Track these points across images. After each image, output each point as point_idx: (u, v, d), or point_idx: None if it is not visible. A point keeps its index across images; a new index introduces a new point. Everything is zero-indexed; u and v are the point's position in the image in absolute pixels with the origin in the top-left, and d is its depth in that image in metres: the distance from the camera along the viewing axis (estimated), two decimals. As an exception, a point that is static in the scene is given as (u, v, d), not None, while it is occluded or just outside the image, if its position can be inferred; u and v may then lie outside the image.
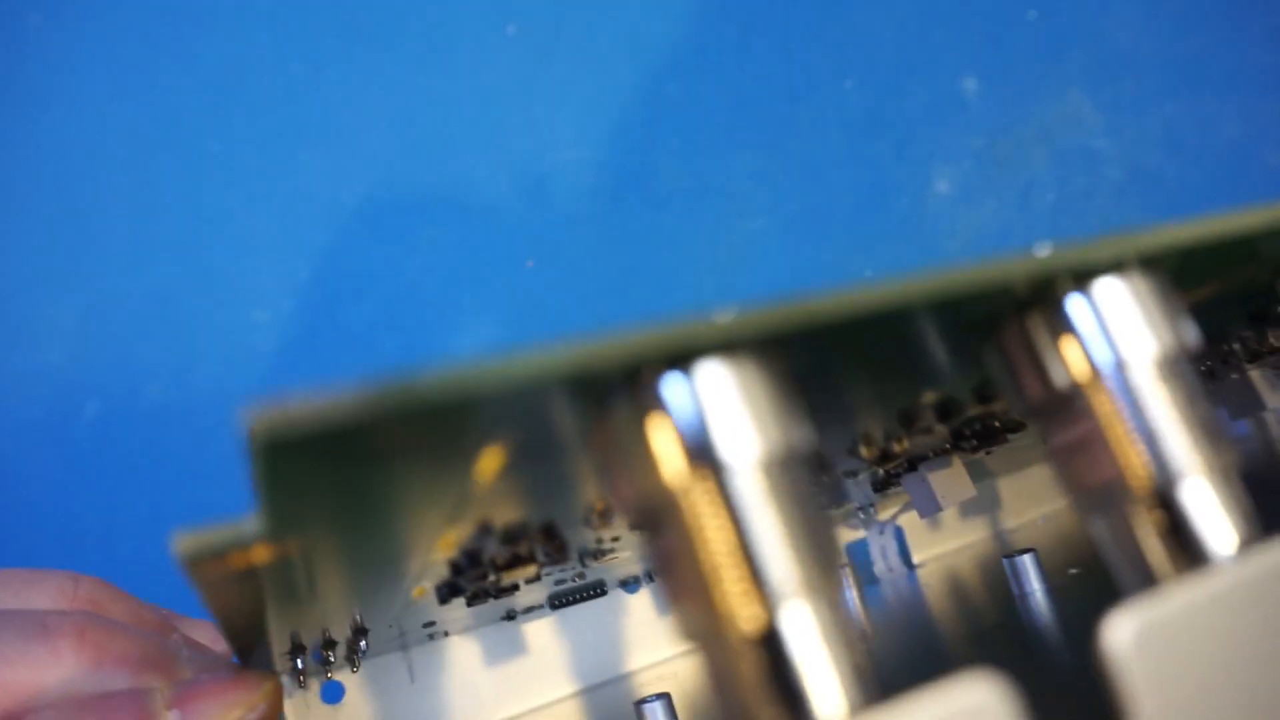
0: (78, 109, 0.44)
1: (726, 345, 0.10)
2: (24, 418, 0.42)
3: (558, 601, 0.25)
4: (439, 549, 0.16)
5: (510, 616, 0.26)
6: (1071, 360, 0.12)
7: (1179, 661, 0.10)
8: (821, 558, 0.10)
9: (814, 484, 0.19)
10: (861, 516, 0.31)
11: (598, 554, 0.20)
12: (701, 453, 0.10)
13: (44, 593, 0.18)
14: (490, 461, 0.11)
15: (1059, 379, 0.12)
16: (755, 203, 0.45)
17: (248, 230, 0.43)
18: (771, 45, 0.45)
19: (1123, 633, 0.10)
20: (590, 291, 0.44)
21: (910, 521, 0.31)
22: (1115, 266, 0.12)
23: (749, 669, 0.10)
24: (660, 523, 0.10)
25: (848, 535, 0.31)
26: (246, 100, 0.44)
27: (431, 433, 0.10)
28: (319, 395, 0.09)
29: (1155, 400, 0.11)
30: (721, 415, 0.10)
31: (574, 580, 0.24)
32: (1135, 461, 0.11)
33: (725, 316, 0.10)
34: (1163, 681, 0.10)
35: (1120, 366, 0.11)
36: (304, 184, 0.44)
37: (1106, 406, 0.11)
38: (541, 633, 0.27)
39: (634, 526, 0.17)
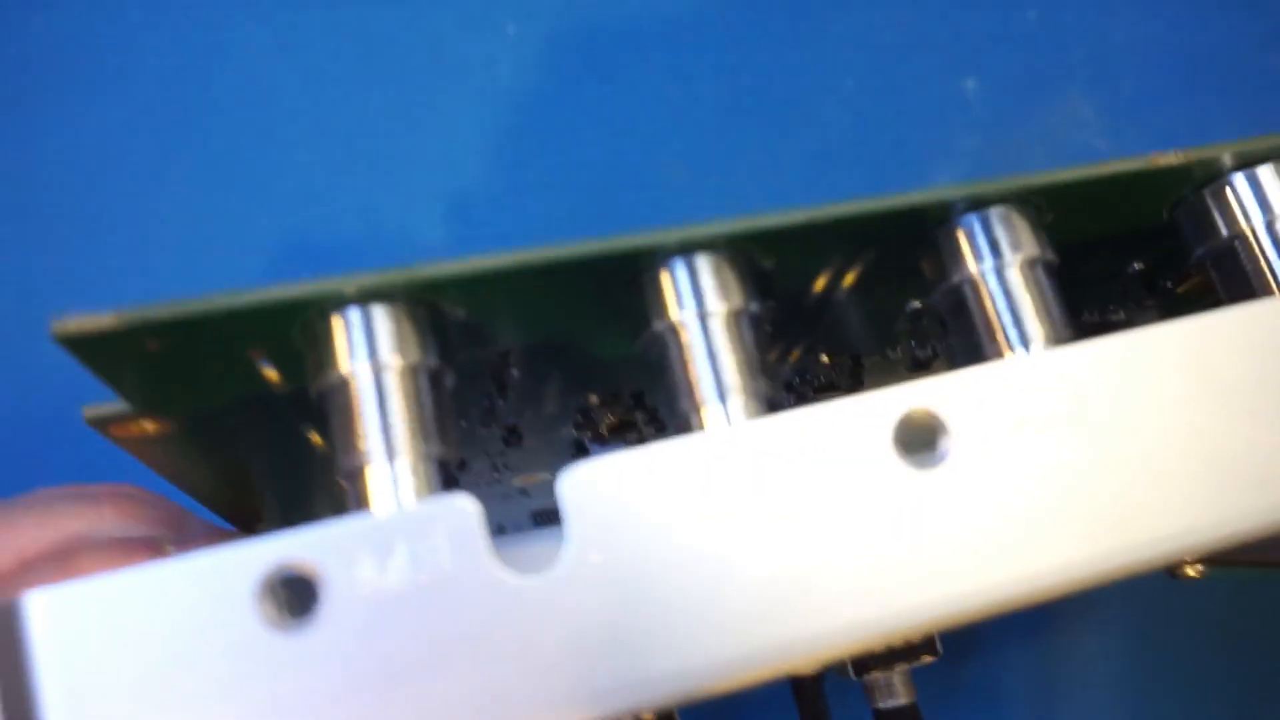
0: (78, 109, 0.44)
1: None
2: (24, 417, 0.42)
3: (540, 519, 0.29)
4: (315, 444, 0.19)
5: (501, 530, 0.28)
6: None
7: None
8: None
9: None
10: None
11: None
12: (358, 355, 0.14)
13: (93, 487, 0.24)
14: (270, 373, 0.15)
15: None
16: (755, 203, 0.44)
17: (248, 230, 0.43)
18: (771, 45, 0.45)
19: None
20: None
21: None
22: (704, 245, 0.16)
23: None
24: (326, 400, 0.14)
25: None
26: (246, 100, 0.44)
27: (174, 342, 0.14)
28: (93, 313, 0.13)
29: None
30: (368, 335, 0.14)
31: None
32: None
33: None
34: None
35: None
36: (304, 184, 0.44)
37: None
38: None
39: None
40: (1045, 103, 0.45)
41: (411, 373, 0.14)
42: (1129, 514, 0.14)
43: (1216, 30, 0.46)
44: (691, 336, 0.15)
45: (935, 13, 0.46)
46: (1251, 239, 0.17)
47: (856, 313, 0.20)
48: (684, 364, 0.15)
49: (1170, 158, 0.16)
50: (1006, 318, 0.16)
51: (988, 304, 0.16)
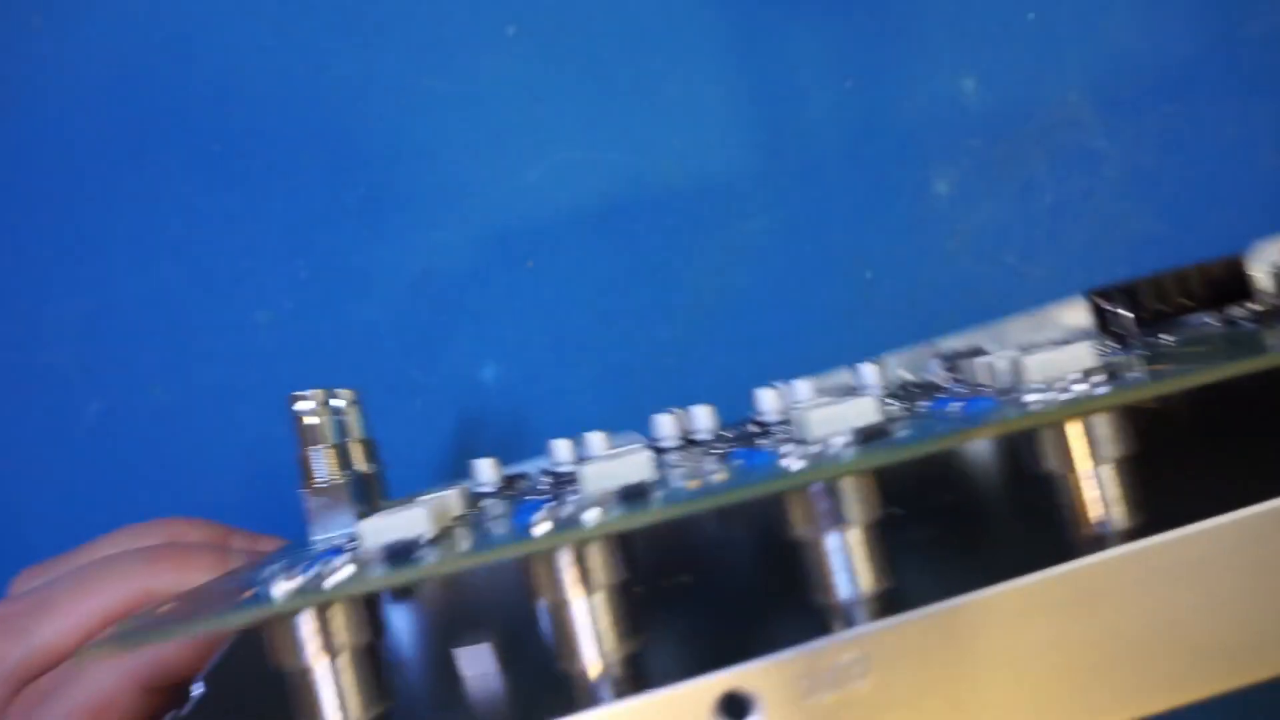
0: (78, 109, 0.44)
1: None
2: (25, 418, 0.42)
3: None
4: None
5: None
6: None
7: None
8: None
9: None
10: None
11: None
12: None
13: (149, 534, 0.29)
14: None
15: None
16: (755, 203, 0.45)
17: (248, 230, 0.43)
18: (771, 45, 0.45)
19: None
20: (589, 291, 0.44)
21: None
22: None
23: None
24: None
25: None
26: (246, 100, 0.44)
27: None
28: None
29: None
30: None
31: None
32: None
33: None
34: None
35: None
36: (304, 184, 0.44)
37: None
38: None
39: None
40: (1045, 103, 0.45)
41: (356, 649, 0.16)
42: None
43: (1215, 30, 0.46)
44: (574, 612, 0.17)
45: (935, 13, 0.46)
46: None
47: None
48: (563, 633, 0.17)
49: (1020, 422, 0.17)
50: (841, 574, 0.17)
51: (823, 562, 0.18)
